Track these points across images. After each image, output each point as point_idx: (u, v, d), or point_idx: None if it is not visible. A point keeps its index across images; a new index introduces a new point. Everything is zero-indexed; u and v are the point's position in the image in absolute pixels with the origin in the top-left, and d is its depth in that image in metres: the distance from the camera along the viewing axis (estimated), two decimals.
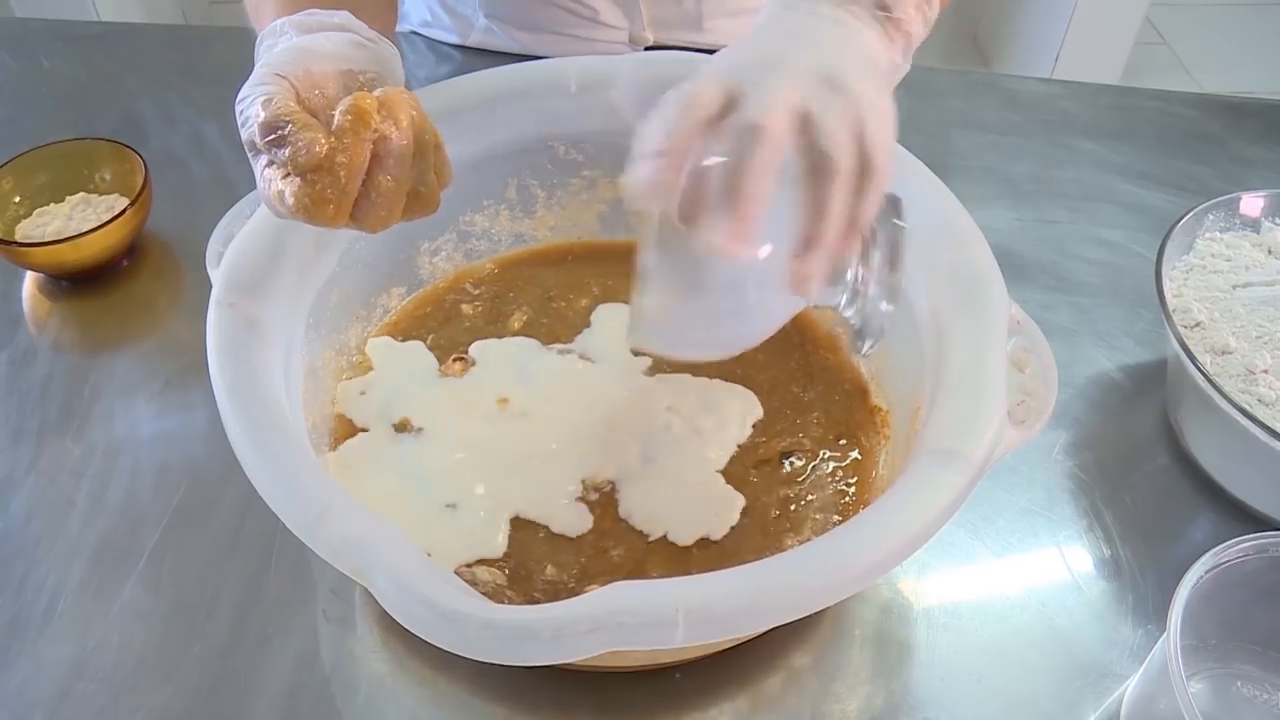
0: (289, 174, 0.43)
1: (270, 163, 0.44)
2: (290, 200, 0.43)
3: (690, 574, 0.40)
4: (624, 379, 0.59)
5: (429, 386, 0.58)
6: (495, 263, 0.66)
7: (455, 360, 0.59)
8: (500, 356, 0.60)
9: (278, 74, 0.45)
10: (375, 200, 0.44)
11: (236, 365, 0.47)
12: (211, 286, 0.50)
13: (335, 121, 0.44)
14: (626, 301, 0.63)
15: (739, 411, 0.57)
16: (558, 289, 0.64)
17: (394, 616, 0.40)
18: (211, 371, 0.47)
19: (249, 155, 0.46)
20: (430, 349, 0.61)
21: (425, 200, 0.46)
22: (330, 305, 0.56)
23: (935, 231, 0.53)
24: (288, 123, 0.43)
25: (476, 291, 0.64)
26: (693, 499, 0.53)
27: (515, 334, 0.61)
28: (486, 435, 0.55)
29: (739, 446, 0.56)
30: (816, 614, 0.51)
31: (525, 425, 0.56)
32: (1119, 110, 0.83)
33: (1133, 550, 0.58)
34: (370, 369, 0.59)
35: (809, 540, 0.52)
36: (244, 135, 0.45)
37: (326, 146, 0.43)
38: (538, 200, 0.65)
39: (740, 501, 0.53)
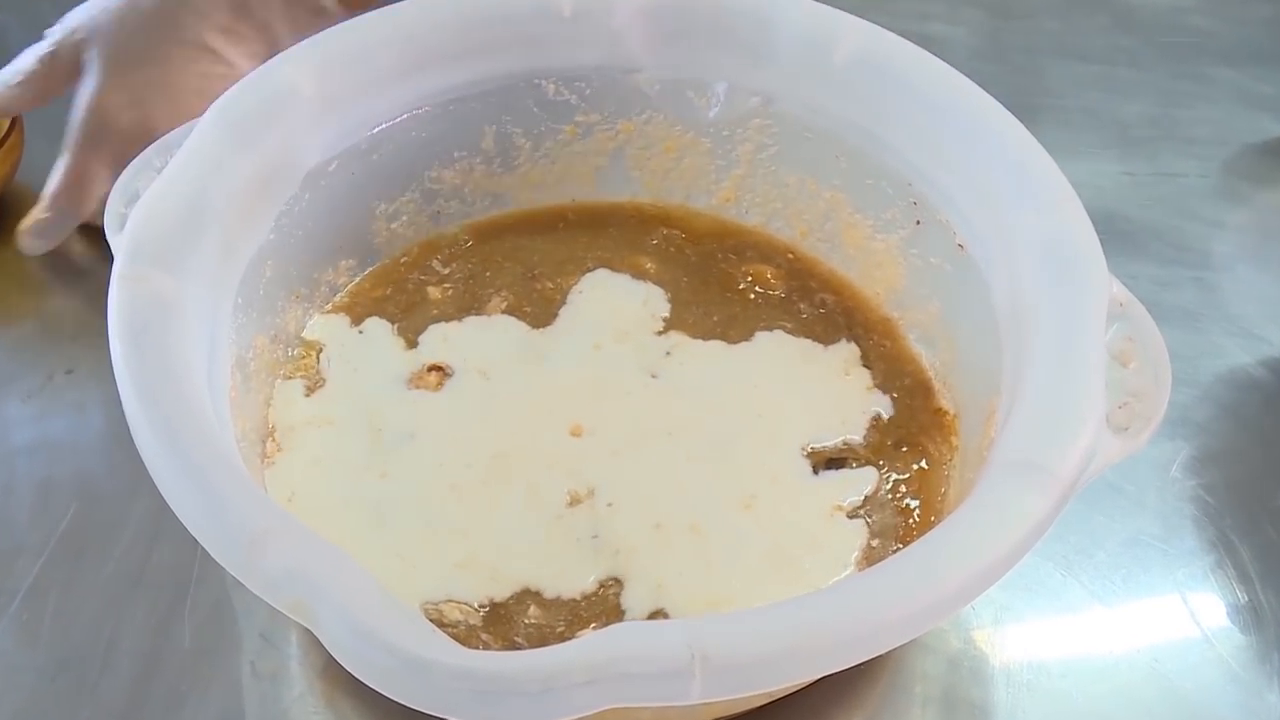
0: None
1: None
2: None
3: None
4: (637, 380, 0.62)
5: (395, 397, 0.61)
6: (468, 230, 0.68)
7: (430, 370, 0.62)
8: (482, 359, 0.62)
9: None
10: None
11: (146, 354, 0.48)
12: (112, 256, 0.51)
13: None
14: (628, 273, 0.66)
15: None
16: (545, 265, 0.67)
17: (344, 665, 0.42)
18: (115, 362, 0.48)
19: None
20: (395, 334, 0.63)
21: None
22: (264, 281, 0.58)
23: (1016, 191, 0.55)
24: None
25: (445, 270, 0.67)
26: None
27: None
28: (469, 465, 0.58)
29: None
30: (868, 666, 0.53)
31: (519, 452, 0.58)
32: (1274, 25, 0.84)
33: (1278, 595, 0.60)
34: (314, 365, 0.62)
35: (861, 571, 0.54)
36: None
37: None
38: (521, 152, 0.68)
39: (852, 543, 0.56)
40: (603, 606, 0.54)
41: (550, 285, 0.66)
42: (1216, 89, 0.83)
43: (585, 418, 0.60)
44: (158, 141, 0.57)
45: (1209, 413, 0.67)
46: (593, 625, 0.53)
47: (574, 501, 0.56)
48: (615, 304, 0.65)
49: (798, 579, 0.54)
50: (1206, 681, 0.57)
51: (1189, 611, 0.59)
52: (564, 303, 0.65)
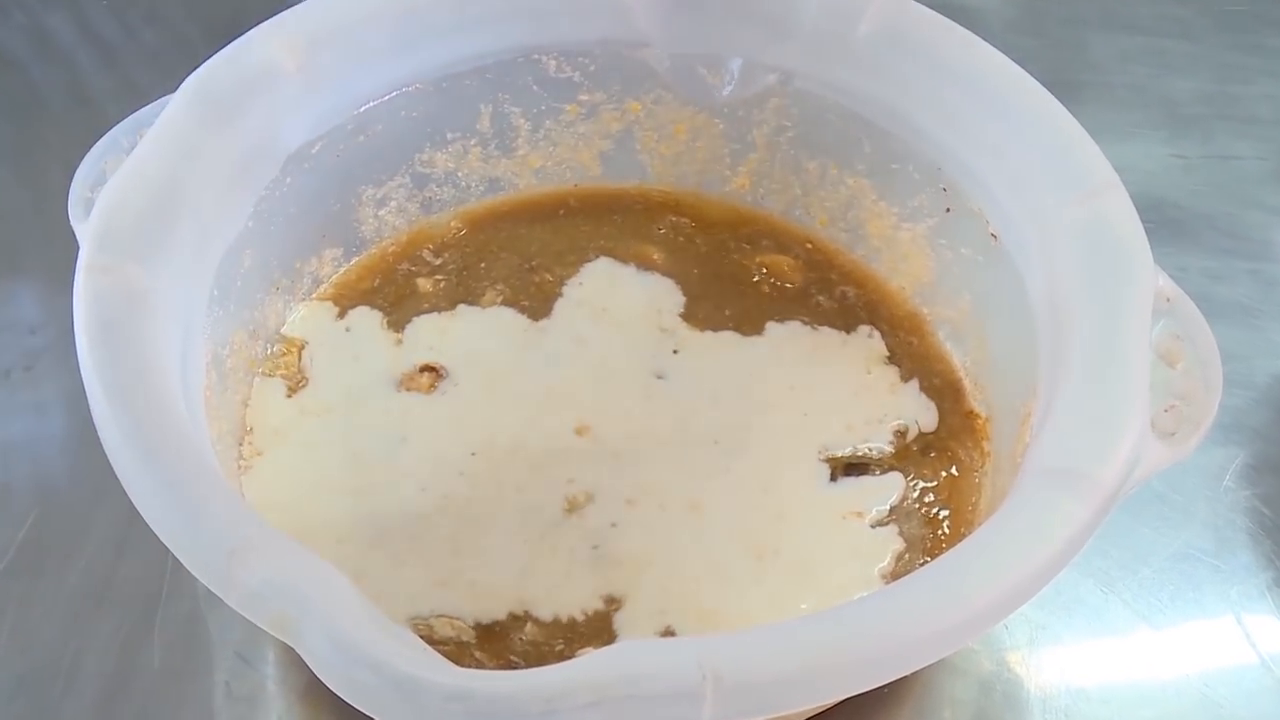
0: None
1: None
2: None
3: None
4: (641, 379, 0.62)
5: (384, 398, 0.62)
6: (462, 218, 0.69)
7: (422, 371, 0.63)
8: (476, 355, 0.63)
9: None
10: None
11: (115, 351, 0.49)
12: (77, 245, 0.52)
13: None
14: (634, 264, 0.67)
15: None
16: (544, 256, 0.68)
17: (327, 685, 0.42)
18: (81, 359, 0.49)
19: None
20: (384, 330, 0.64)
21: None
22: (241, 272, 0.59)
23: (1055, 176, 0.55)
24: None
25: (437, 261, 0.68)
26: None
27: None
28: (461, 472, 0.59)
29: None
30: (892, 689, 0.54)
31: (514, 457, 0.59)
32: None
33: None
34: (296, 362, 0.63)
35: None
36: None
37: None
38: (520, 133, 0.69)
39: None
40: (604, 624, 0.54)
41: (549, 277, 0.67)
42: (1278, 63, 0.83)
43: (585, 417, 0.61)
44: (126, 119, 0.57)
45: (1266, 417, 0.67)
46: (594, 644, 0.53)
47: (572, 508, 0.57)
48: (619, 297, 0.66)
49: (816, 595, 0.55)
50: (1263, 710, 0.57)
51: (1243, 633, 0.60)
52: (563, 295, 0.66)
